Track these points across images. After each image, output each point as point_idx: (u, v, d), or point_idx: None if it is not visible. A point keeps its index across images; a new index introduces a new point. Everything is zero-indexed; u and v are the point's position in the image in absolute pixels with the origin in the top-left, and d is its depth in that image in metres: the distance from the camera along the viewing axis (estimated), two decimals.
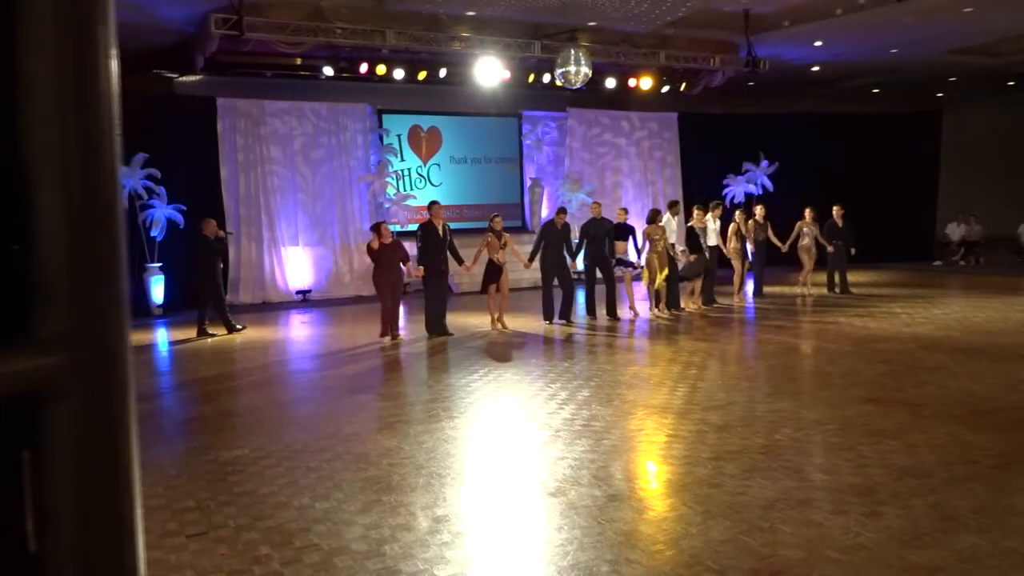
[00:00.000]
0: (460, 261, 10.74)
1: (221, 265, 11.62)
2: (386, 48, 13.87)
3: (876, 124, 20.13)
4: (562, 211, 11.68)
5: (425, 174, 17.27)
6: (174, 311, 13.63)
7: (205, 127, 14.75)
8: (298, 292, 15.51)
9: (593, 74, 14.40)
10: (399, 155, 16.80)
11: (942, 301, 12.63)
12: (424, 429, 6.07)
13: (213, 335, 11.13)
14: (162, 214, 13.31)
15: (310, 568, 3.72)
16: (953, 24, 14.68)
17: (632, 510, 4.34)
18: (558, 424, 6.08)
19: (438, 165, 17.40)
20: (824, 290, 13.99)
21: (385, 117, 16.71)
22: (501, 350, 9.63)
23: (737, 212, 13.66)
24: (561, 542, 3.92)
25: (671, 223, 12.18)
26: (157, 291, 13.64)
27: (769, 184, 17.76)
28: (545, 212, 18.17)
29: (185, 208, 13.46)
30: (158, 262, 13.59)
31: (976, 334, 9.56)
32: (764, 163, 17.83)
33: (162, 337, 11.81)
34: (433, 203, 10.91)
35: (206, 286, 11.20)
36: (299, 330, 12.38)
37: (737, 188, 17.88)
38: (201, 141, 14.68)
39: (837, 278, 14.01)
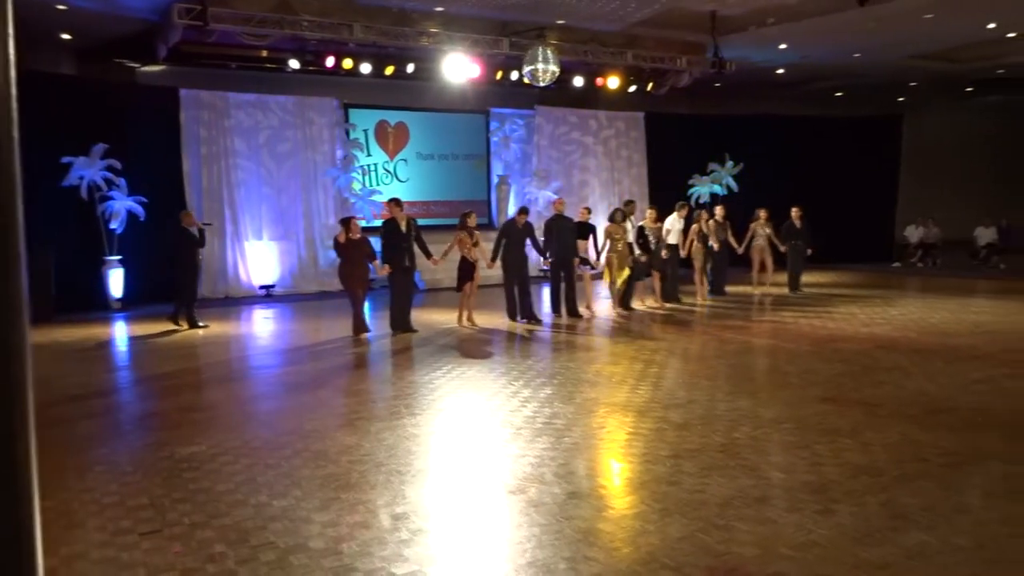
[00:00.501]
0: (428, 255, 10.73)
1: (200, 258, 11.64)
2: (353, 42, 13.75)
3: (839, 127, 20.48)
4: (524, 211, 11.68)
5: (392, 170, 17.17)
6: (133, 305, 13.41)
7: (167, 118, 14.52)
8: (262, 287, 15.34)
9: (561, 72, 14.42)
10: (365, 150, 16.68)
11: (900, 302, 12.87)
12: (385, 426, 6.04)
13: (179, 329, 11.09)
14: (122, 206, 13.09)
15: (265, 566, 3.68)
16: (914, 30, 14.96)
17: (591, 508, 4.36)
18: (520, 422, 6.09)
19: (405, 161, 17.31)
20: (785, 290, 14.23)
21: (352, 111, 16.57)
22: (465, 347, 9.62)
23: (699, 212, 13.81)
24: (520, 540, 3.93)
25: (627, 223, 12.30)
26: (116, 284, 13.40)
27: (734, 185, 17.95)
28: (512, 209, 18.17)
29: (146, 200, 13.25)
30: (117, 255, 13.35)
31: (932, 335, 9.75)
32: (729, 164, 18.02)
33: (120, 331, 11.61)
34: (393, 199, 10.89)
35: (185, 279, 11.17)
36: (262, 326, 12.25)
37: (702, 188, 18.04)
38: (163, 132, 14.44)
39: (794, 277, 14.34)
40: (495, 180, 18.31)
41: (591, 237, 11.93)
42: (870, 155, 20.35)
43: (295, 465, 5.15)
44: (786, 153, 19.13)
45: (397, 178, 17.19)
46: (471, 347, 9.64)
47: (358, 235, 10.27)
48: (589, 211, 12.34)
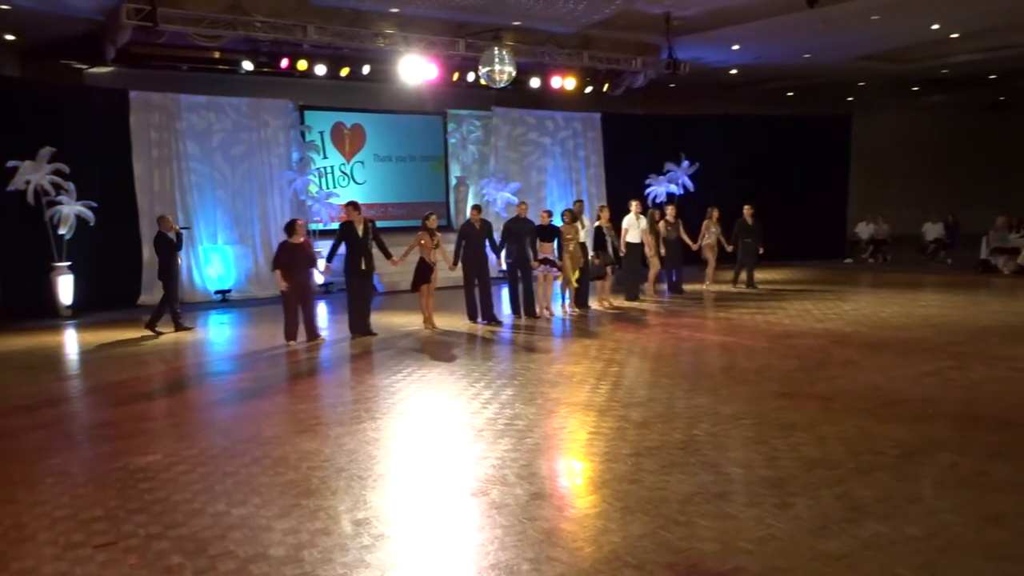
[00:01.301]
0: (389, 255, 10.72)
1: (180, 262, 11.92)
2: (307, 43, 13.61)
3: (791, 126, 20.84)
4: (477, 208, 11.72)
5: (348, 172, 17.03)
6: (84, 312, 13.10)
7: (117, 121, 14.22)
8: (217, 292, 15.10)
9: (517, 73, 14.44)
10: (322, 152, 16.51)
11: (852, 297, 13.14)
12: (345, 431, 5.99)
13: (190, 327, 11.50)
14: (71, 211, 12.77)
15: None
16: (861, 31, 15.30)
17: (554, 508, 4.38)
18: (481, 424, 6.09)
19: (362, 163, 17.18)
20: (728, 287, 14.52)
21: (307, 113, 16.40)
22: (425, 350, 9.57)
23: (652, 211, 13.97)
24: (483, 542, 3.93)
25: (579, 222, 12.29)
26: (66, 291, 13.08)
27: (690, 184, 18.15)
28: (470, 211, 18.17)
29: (96, 205, 12.96)
30: (67, 261, 13.03)
31: (883, 329, 9.97)
32: (685, 163, 18.22)
33: (71, 339, 11.33)
34: (351, 203, 10.75)
35: (165, 283, 11.29)
36: (218, 331, 12.04)
37: (659, 188, 18.21)
38: (113, 136, 14.15)
39: (743, 275, 14.64)
40: (453, 182, 18.27)
41: (556, 239, 11.91)
42: (821, 153, 20.77)
43: (254, 472, 5.08)
44: (740, 152, 19.42)
45: (354, 180, 17.06)
46: (431, 349, 9.60)
47: (301, 239, 10.07)
48: (549, 214, 12.23)
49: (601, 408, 6.47)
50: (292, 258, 9.86)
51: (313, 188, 15.92)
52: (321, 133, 16.59)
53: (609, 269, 12.62)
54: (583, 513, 4.33)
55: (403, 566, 3.70)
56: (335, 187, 16.57)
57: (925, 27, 15.28)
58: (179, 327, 11.41)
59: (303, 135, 16.19)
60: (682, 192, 18.08)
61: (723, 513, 4.19)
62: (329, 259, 10.52)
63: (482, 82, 14.56)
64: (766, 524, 4.03)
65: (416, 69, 14.53)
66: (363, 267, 10.31)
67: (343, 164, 16.97)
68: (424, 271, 10.87)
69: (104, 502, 4.62)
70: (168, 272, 11.28)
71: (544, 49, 15.49)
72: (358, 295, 10.52)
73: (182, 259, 14.74)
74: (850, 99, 23.52)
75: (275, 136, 15.89)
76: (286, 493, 4.68)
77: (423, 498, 4.58)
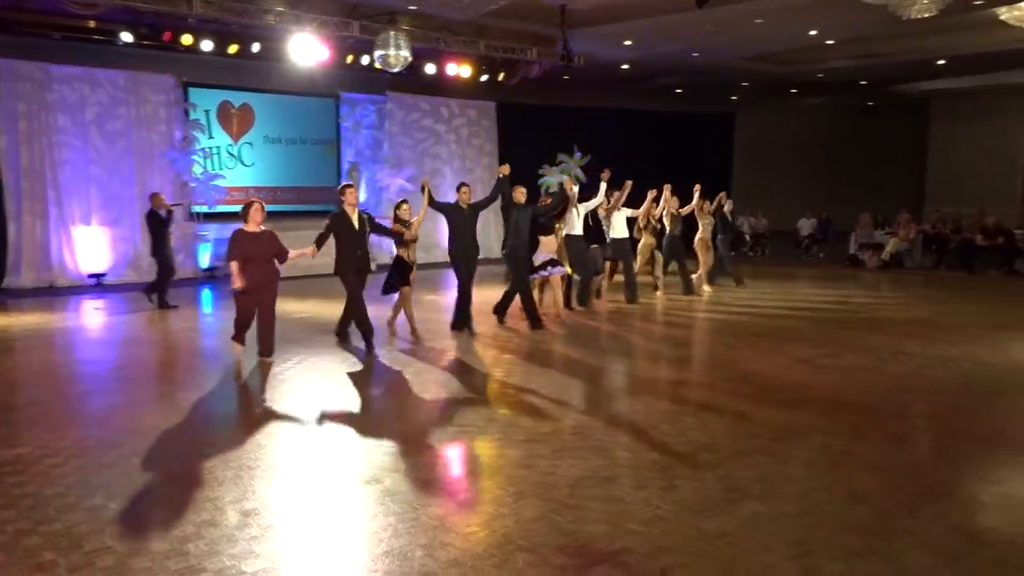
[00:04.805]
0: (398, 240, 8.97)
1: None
2: (193, 17, 13.01)
3: (678, 122, 21.54)
4: (467, 188, 9.61)
5: (236, 153, 16.44)
6: None
7: None
8: (91, 276, 14.31)
9: (413, 59, 14.29)
10: (207, 132, 15.85)
11: (733, 288, 13.71)
12: (233, 420, 5.81)
13: (176, 306, 11.48)
14: None
15: (103, 572, 3.46)
16: (745, 33, 15.93)
17: (447, 494, 4.39)
18: (375, 411, 6.03)
19: (250, 144, 16.61)
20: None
21: (192, 90, 15.71)
22: (316, 338, 9.35)
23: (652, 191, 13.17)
24: (376, 529, 3.90)
25: None
26: None
27: (582, 175, 18.47)
28: (364, 196, 17.88)
29: None
30: None
31: (761, 318, 10.48)
32: (577, 155, 18.52)
33: None
34: (345, 184, 8.69)
35: (163, 260, 11.45)
36: (92, 317, 11.41)
37: (552, 179, 18.43)
38: None
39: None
40: (346, 166, 17.94)
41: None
42: (706, 149, 21.57)
43: (134, 465, 4.86)
44: (630, 145, 19.90)
45: (242, 162, 16.48)
46: (323, 337, 9.39)
47: (260, 227, 7.58)
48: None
49: (496, 395, 6.53)
50: (247, 250, 7.47)
51: (197, 169, 15.28)
52: (207, 112, 15.93)
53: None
54: (477, 499, 4.36)
55: (294, 556, 3.64)
56: (222, 168, 15.97)
57: (803, 32, 16.06)
58: (163, 304, 11.48)
59: (187, 113, 15.51)
60: (576, 185, 18.36)
61: (612, 496, 4.31)
62: (319, 245, 8.12)
63: (377, 66, 14.33)
64: (653, 506, 4.17)
65: (308, 49, 14.14)
66: (362, 265, 8.57)
67: (230, 145, 16.36)
68: (403, 270, 9.04)
69: None
70: (160, 249, 11.37)
71: (440, 35, 15.39)
72: (356, 297, 8.49)
73: (51, 241, 14.05)
74: (734, 98, 24.48)
75: (156, 112, 15.18)
76: (169, 484, 4.50)
77: (314, 487, 4.51)
